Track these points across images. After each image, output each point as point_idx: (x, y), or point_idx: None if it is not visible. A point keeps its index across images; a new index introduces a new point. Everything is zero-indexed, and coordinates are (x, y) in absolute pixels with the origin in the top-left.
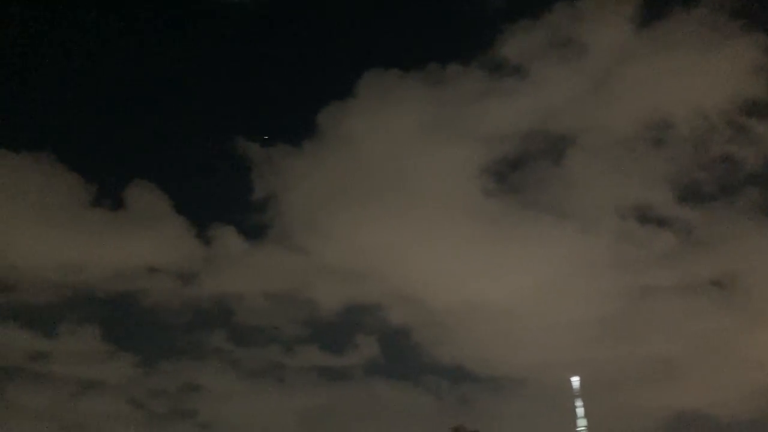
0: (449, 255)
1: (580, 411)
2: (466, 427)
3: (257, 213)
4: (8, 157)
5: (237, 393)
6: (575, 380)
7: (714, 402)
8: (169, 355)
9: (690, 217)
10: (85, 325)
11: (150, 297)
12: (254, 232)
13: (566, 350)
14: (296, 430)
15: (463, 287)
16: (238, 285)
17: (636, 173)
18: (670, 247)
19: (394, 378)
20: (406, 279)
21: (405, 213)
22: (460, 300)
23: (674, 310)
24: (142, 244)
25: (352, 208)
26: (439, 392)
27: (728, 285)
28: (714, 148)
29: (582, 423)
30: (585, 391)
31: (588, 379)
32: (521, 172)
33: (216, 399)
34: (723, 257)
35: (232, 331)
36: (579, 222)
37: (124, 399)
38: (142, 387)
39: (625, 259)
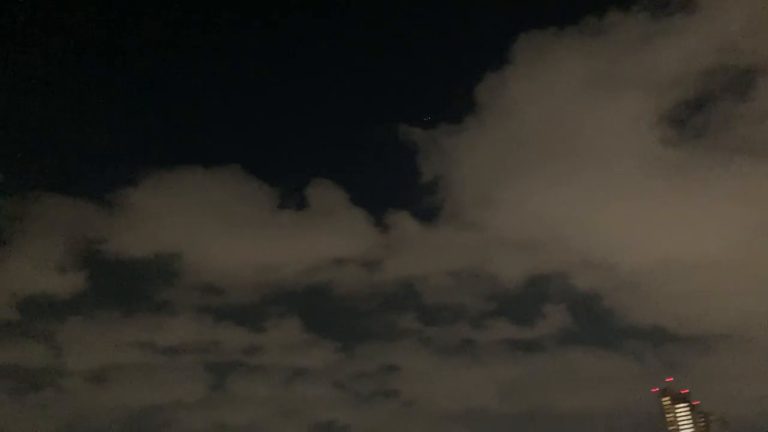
0: (634, 214)
1: None
2: (673, 388)
3: (428, 195)
4: (201, 173)
5: (433, 370)
6: None
7: None
8: (366, 339)
9: None
10: (287, 318)
11: (340, 287)
12: (428, 214)
13: None
14: (495, 402)
15: (654, 246)
16: (419, 267)
17: None
18: None
19: (589, 345)
20: (590, 244)
21: (580, 176)
22: (653, 259)
23: None
24: (327, 238)
25: (523, 178)
26: (639, 355)
27: None
28: None
29: None
30: None
31: None
32: (703, 113)
33: (414, 377)
34: None
35: (420, 311)
36: None
37: (330, 383)
38: (344, 371)
39: None
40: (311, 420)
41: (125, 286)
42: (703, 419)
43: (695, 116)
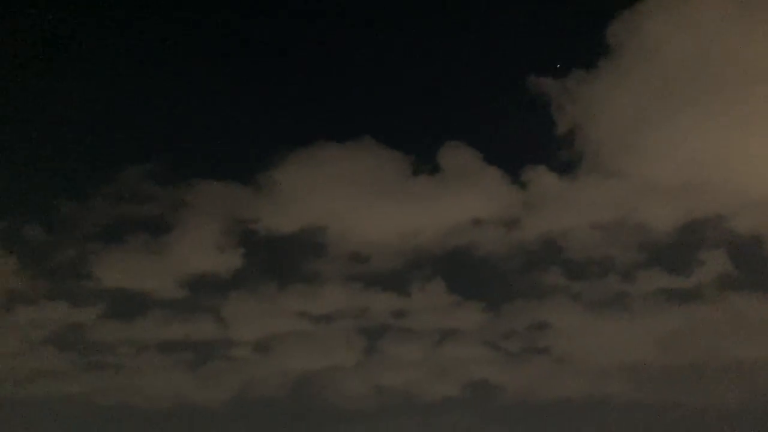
0: None
1: None
2: None
3: (565, 147)
4: (336, 149)
5: (584, 326)
6: None
7: None
8: (511, 298)
9: None
10: (431, 281)
11: (480, 247)
12: (566, 167)
13: None
14: (654, 355)
15: None
16: (561, 222)
17: None
18: None
19: (753, 290)
20: (750, 182)
21: (735, 112)
22: None
23: None
24: (463, 201)
25: (669, 120)
26: None
27: None
28: None
29: None
30: None
31: None
32: None
33: (565, 334)
34: None
35: (565, 267)
36: None
37: (480, 342)
38: (493, 330)
39: None
40: (464, 379)
41: (278, 260)
42: None
43: None
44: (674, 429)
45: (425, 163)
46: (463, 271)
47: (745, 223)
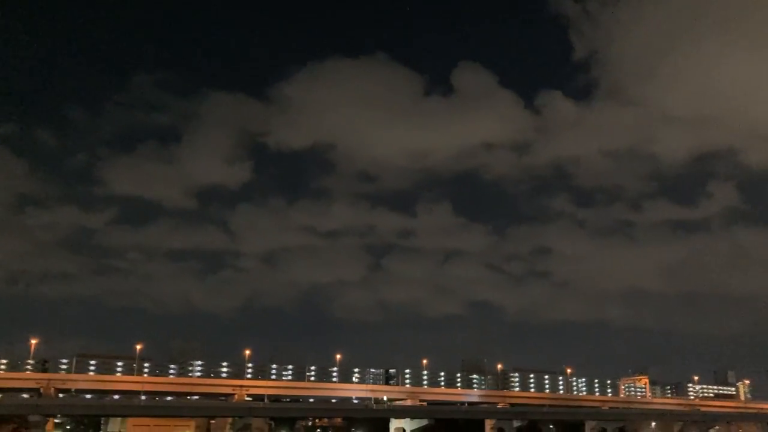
0: None
1: None
2: None
3: (582, 73)
4: (349, 64)
5: (588, 252)
6: None
7: None
8: (517, 222)
9: None
10: (439, 203)
11: (490, 171)
12: (582, 93)
13: None
14: (656, 283)
15: None
16: (572, 148)
17: None
18: None
19: (760, 225)
20: (765, 116)
21: (756, 43)
22: None
23: None
24: (475, 123)
25: (689, 50)
26: None
27: None
28: None
29: None
30: None
31: None
32: None
33: (567, 260)
34: None
35: (573, 193)
36: None
37: (483, 264)
38: (497, 253)
39: None
40: (466, 299)
41: (287, 175)
42: None
43: None
44: (668, 354)
45: (438, 84)
46: (471, 193)
47: (756, 158)
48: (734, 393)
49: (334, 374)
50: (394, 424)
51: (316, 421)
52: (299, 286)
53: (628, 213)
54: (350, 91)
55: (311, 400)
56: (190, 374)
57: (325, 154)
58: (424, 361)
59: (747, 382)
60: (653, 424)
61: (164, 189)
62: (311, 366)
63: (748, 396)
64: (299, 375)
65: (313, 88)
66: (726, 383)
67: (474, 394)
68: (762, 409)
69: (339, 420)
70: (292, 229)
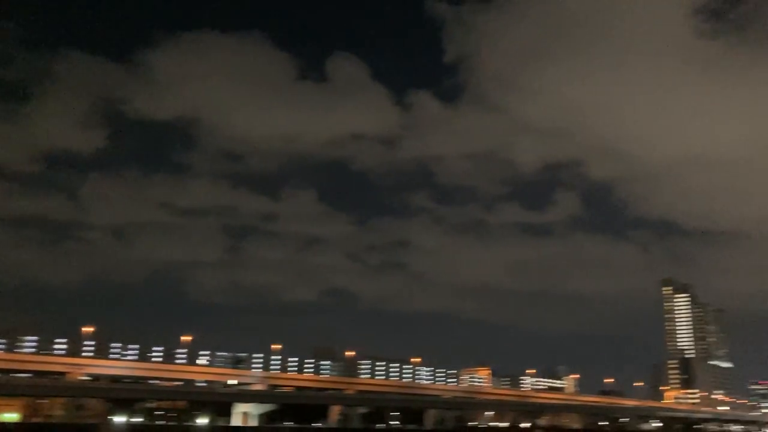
0: (661, 105)
1: None
2: (676, 279)
3: (451, 75)
4: (222, 39)
5: (443, 247)
6: None
7: None
8: (379, 214)
9: None
10: (304, 189)
11: (358, 162)
12: (450, 95)
13: None
14: (504, 281)
15: (677, 138)
16: (437, 147)
17: None
18: None
19: (597, 232)
20: (613, 133)
21: (611, 65)
22: (673, 152)
23: None
24: (346, 113)
25: (554, 64)
26: (646, 246)
27: None
28: None
29: None
30: None
31: None
32: (744, 6)
33: (425, 253)
34: None
35: (434, 190)
36: None
37: (343, 252)
38: (357, 242)
39: None
40: (323, 285)
41: (145, 146)
42: (700, 309)
43: (735, 8)
44: (509, 348)
45: (312, 69)
46: (337, 182)
47: (600, 171)
48: (564, 386)
49: (182, 356)
50: (240, 408)
51: (159, 403)
52: (151, 264)
53: (482, 213)
54: (221, 67)
55: (155, 382)
56: (20, 350)
57: (188, 128)
58: (276, 346)
59: (574, 376)
60: (488, 413)
61: (7, 150)
62: (157, 347)
63: (576, 389)
64: (144, 356)
65: (181, 59)
66: (557, 377)
67: (323, 380)
68: (585, 401)
69: (182, 403)
70: (147, 204)
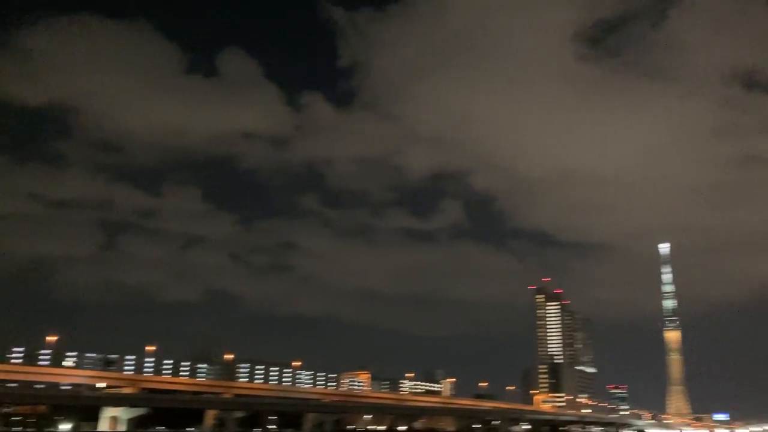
0: (542, 123)
1: (666, 277)
2: (548, 287)
3: (345, 80)
4: (106, 24)
5: (330, 251)
6: (664, 247)
7: None
8: (266, 215)
9: None
10: (187, 185)
11: (245, 161)
12: (343, 99)
13: (661, 218)
14: (388, 285)
15: (556, 155)
16: (328, 150)
17: (744, 35)
18: None
19: (479, 241)
20: (497, 146)
21: (498, 80)
22: (552, 167)
23: None
24: (235, 110)
25: (446, 76)
26: (522, 255)
27: None
28: None
29: (668, 288)
30: (675, 259)
31: (680, 246)
32: (619, 34)
33: (311, 256)
34: None
35: (323, 194)
36: (681, 87)
37: (227, 253)
38: (242, 243)
39: (728, 126)
40: (205, 286)
41: (16, 133)
42: (570, 317)
43: (611, 36)
44: (390, 352)
45: (202, 64)
46: (223, 181)
47: (483, 182)
48: (441, 389)
49: (45, 357)
50: (108, 413)
51: (16, 408)
52: (16, 258)
53: (370, 218)
54: (102, 54)
55: (13, 384)
56: None
57: (64, 116)
58: (150, 348)
59: (451, 380)
60: (367, 416)
61: None
62: (17, 347)
63: (452, 393)
64: (2, 357)
65: (59, 43)
66: (434, 380)
67: (199, 384)
68: (460, 404)
69: (43, 408)
70: (14, 193)
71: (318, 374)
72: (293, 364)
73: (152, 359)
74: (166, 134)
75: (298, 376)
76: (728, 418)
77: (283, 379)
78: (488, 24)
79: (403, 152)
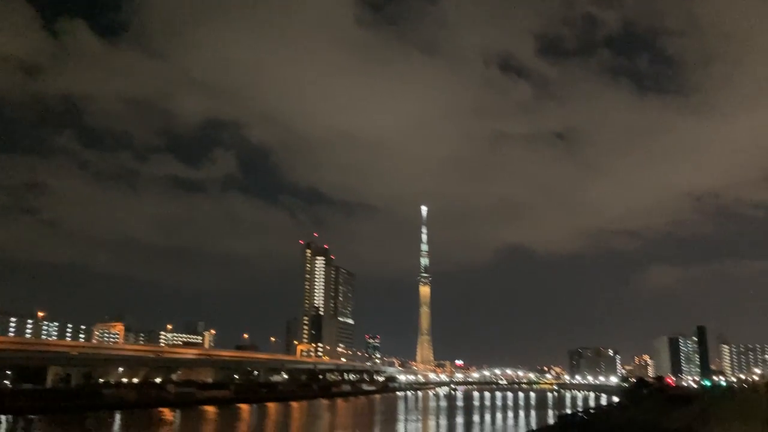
0: (319, 81)
1: (424, 237)
2: (316, 243)
3: (113, 10)
4: None
5: (85, 195)
6: (424, 209)
7: (541, 239)
8: (12, 150)
9: (547, 71)
10: None
11: None
12: (109, 30)
13: (421, 183)
14: (150, 235)
15: (333, 116)
16: (89, 85)
17: (505, 21)
18: (526, 98)
19: (250, 194)
20: (272, 100)
21: (277, 33)
22: (329, 127)
23: (523, 156)
24: None
25: (222, 19)
26: (293, 211)
27: (570, 138)
28: (578, 5)
29: (424, 247)
30: (431, 221)
31: (436, 210)
32: (398, 4)
33: (62, 199)
34: (570, 112)
35: (81, 132)
36: (448, 63)
37: None
38: None
39: (486, 106)
40: None
41: None
42: (335, 271)
43: (391, 4)
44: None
45: None
46: None
47: (259, 135)
48: (201, 342)
49: None
50: None
51: None
52: None
53: (134, 162)
54: None
55: None
56: None
57: None
58: None
59: (213, 332)
60: (120, 369)
61: None
62: None
63: (212, 344)
64: None
65: None
66: (196, 332)
67: None
68: (220, 355)
69: None
70: None
71: (67, 326)
72: (39, 314)
73: None
74: None
75: (43, 327)
76: (463, 363)
77: (25, 331)
78: None
79: (175, 96)
